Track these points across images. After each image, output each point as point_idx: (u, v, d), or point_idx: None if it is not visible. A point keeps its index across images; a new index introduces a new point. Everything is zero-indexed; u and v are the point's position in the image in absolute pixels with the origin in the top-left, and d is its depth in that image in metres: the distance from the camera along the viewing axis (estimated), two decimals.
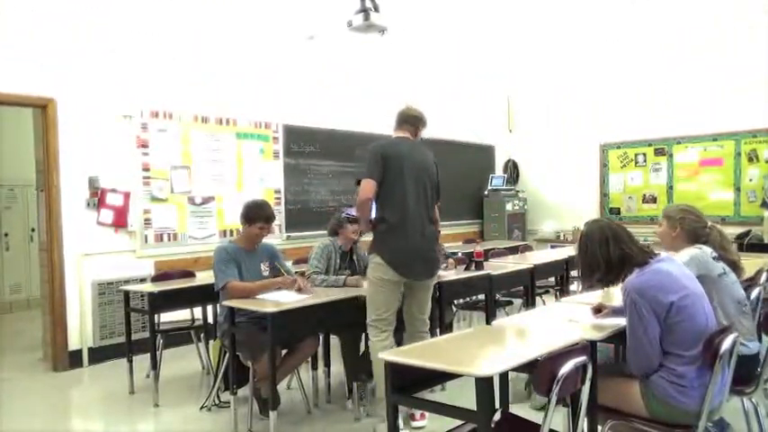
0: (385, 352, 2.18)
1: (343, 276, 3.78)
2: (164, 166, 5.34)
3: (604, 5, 6.71)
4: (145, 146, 5.21)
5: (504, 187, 8.50)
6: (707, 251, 2.81)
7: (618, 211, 7.92)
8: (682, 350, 2.19)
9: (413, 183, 3.29)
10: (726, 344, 2.11)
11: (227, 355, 3.47)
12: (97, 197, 4.94)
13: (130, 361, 4.08)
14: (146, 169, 5.22)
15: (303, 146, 6.42)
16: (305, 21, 6.02)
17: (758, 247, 5.95)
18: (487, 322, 3.76)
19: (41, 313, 5.07)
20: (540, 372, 1.87)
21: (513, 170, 8.91)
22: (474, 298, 4.82)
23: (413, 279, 3.32)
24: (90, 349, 4.89)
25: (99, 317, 4.93)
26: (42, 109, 4.72)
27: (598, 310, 2.68)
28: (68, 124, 4.79)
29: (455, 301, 4.73)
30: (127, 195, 5.08)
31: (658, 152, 7.51)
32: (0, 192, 7.21)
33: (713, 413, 2.25)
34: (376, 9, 4.82)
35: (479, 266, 4.24)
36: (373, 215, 3.34)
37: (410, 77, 7.44)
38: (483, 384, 1.88)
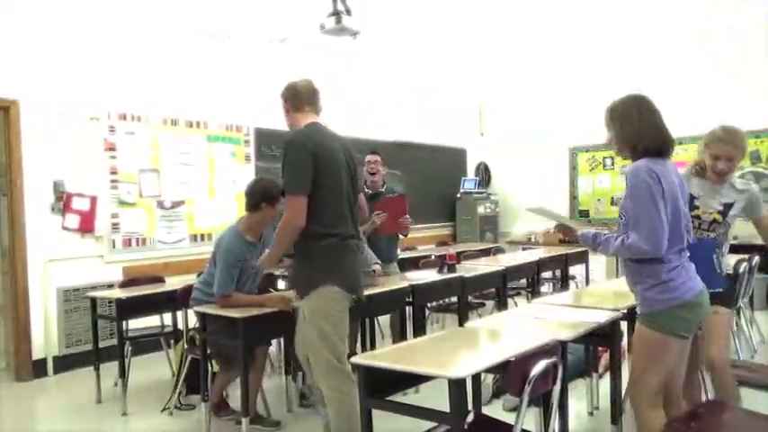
0: (357, 356, 2.17)
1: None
2: (132, 170, 5.24)
3: (574, 12, 6.83)
4: (112, 149, 5.11)
5: (475, 190, 8.57)
6: None
7: (587, 214, 8.05)
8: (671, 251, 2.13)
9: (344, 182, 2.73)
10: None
11: (189, 357, 3.45)
12: (62, 201, 4.82)
13: (97, 369, 3.99)
14: (113, 173, 5.12)
15: (275, 149, 6.38)
16: (277, 23, 5.98)
17: None
18: (460, 324, 3.77)
19: (3, 321, 4.91)
20: (511, 373, 1.89)
21: (484, 173, 8.98)
22: (447, 300, 4.84)
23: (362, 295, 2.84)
24: (55, 358, 4.76)
25: (64, 324, 4.80)
26: (5, 111, 4.58)
27: (564, 235, 2.55)
28: (32, 126, 4.66)
29: (428, 304, 4.75)
30: (93, 199, 4.97)
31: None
32: None
33: None
34: (348, 12, 4.81)
35: (452, 269, 4.26)
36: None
37: (382, 81, 7.45)
38: (456, 386, 1.89)
